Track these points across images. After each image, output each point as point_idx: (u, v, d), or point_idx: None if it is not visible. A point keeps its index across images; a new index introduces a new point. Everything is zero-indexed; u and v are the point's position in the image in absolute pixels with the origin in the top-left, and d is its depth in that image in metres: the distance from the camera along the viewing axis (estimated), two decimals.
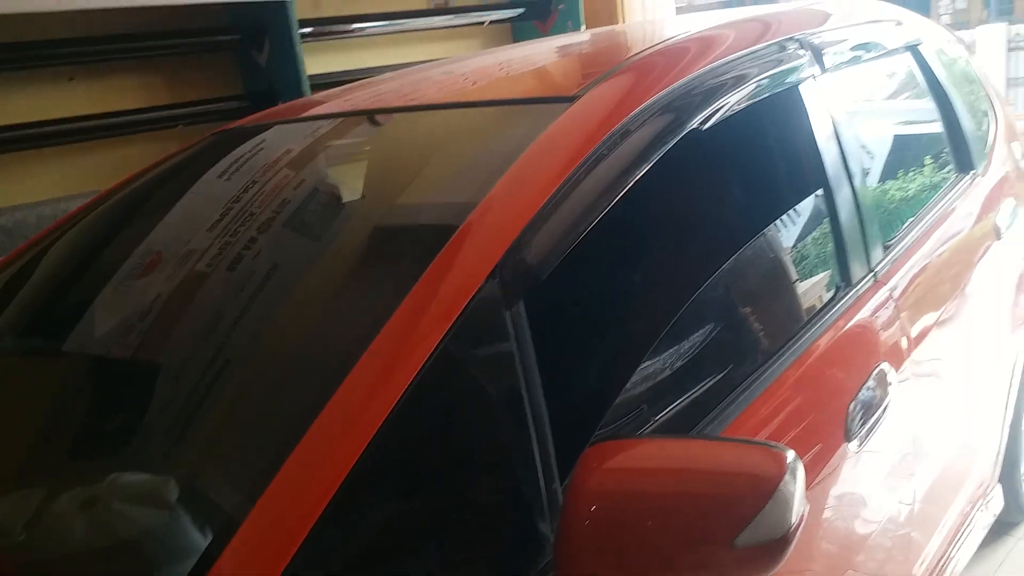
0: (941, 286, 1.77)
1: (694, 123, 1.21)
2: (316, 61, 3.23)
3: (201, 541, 0.84)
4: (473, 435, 0.93)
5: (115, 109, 2.76)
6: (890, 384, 1.42)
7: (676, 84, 1.24)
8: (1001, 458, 2.13)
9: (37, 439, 1.14)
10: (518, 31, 4.10)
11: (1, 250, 2.64)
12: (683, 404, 1.10)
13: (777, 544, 0.83)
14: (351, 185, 1.37)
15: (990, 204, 2.09)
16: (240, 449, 0.97)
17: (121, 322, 1.22)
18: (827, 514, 1.28)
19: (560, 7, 3.94)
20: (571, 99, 1.18)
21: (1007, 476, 2.20)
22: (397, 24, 3.52)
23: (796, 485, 0.84)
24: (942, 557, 1.74)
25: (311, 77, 2.98)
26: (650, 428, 1.07)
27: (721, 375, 1.19)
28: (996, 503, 2.13)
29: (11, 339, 1.36)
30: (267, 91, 2.99)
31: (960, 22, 11.85)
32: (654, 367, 1.11)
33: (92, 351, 1.23)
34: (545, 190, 1.02)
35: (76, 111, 2.67)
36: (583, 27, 3.93)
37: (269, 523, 0.77)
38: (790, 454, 0.85)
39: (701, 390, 1.16)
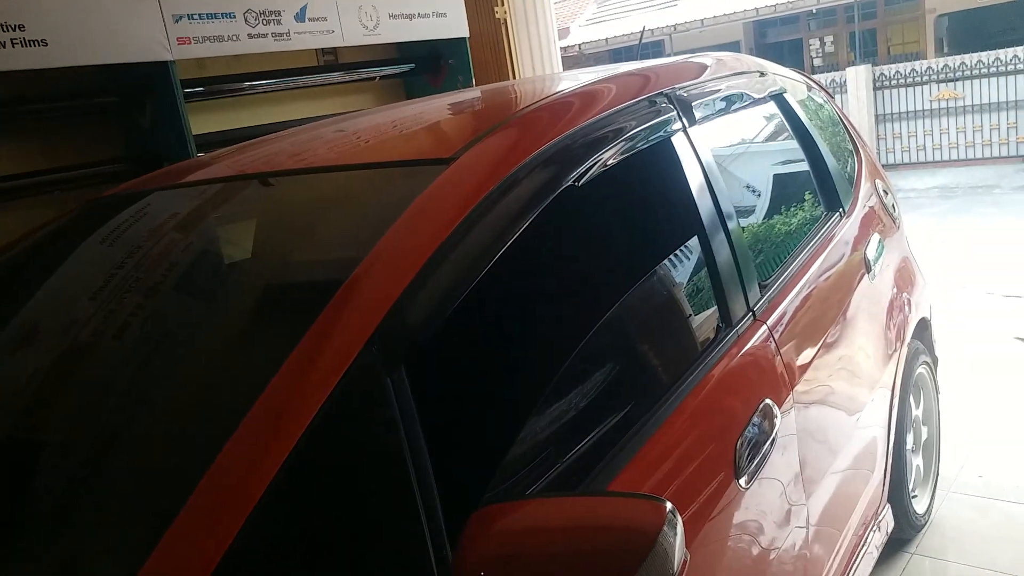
0: (818, 320, 1.86)
1: (570, 179, 1.25)
2: (203, 120, 3.18)
3: None
4: (357, 503, 0.91)
5: None
6: (776, 417, 1.48)
7: (550, 143, 1.27)
8: (888, 479, 2.23)
9: None
10: (409, 86, 4.15)
11: None
12: (575, 456, 1.12)
13: None
14: (233, 249, 1.34)
15: (859, 240, 2.22)
16: (112, 531, 0.93)
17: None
18: (724, 549, 1.31)
19: (450, 62, 4.01)
20: (447, 161, 1.20)
21: (895, 495, 2.31)
22: (286, 81, 3.51)
23: (676, 535, 0.85)
24: None
25: (197, 136, 2.92)
26: (542, 484, 1.08)
27: (610, 423, 1.21)
28: (887, 522, 2.23)
29: None
30: (151, 153, 2.91)
31: (830, 64, 12.69)
32: (543, 421, 1.12)
33: None
34: (422, 253, 1.03)
35: None
36: (472, 82, 4.01)
37: None
38: (667, 504, 0.87)
39: (592, 440, 1.17)
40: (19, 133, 2.78)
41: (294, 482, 0.83)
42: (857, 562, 1.94)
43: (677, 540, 0.85)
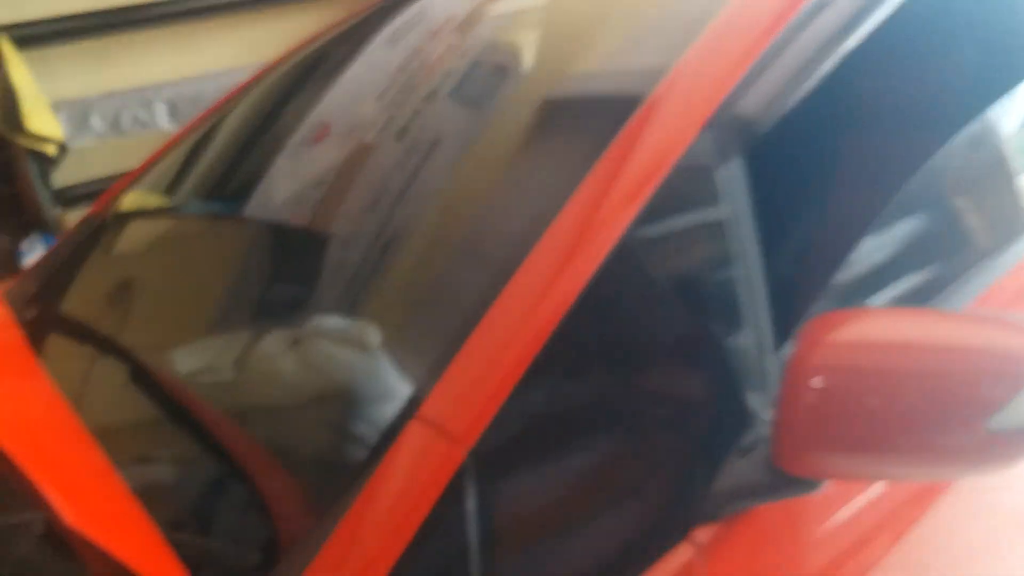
0: None
1: None
2: None
3: (403, 386, 0.82)
4: (681, 303, 0.87)
5: None
6: None
7: None
8: None
9: (225, 297, 1.15)
10: None
11: (182, 119, 2.74)
12: (909, 284, 1.01)
13: None
14: (527, 52, 1.30)
15: None
16: (415, 324, 0.94)
17: (296, 189, 1.21)
18: None
19: None
20: None
21: None
22: None
23: None
24: None
25: None
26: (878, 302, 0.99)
27: (954, 256, 1.09)
28: None
29: (191, 204, 1.37)
30: None
31: None
32: (877, 242, 1.02)
33: (269, 216, 1.22)
34: (752, 49, 0.93)
35: None
36: None
37: (457, 391, 0.75)
38: None
39: (930, 269, 1.06)
40: None
41: (609, 283, 0.80)
42: None
43: None
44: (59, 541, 0.80)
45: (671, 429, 0.84)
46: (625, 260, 0.81)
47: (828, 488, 0.85)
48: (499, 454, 0.73)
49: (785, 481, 0.82)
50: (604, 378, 0.82)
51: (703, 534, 0.83)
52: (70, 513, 0.57)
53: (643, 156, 0.87)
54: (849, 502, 0.96)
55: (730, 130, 0.89)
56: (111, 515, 0.64)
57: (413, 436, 0.73)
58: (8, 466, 0.57)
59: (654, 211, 0.83)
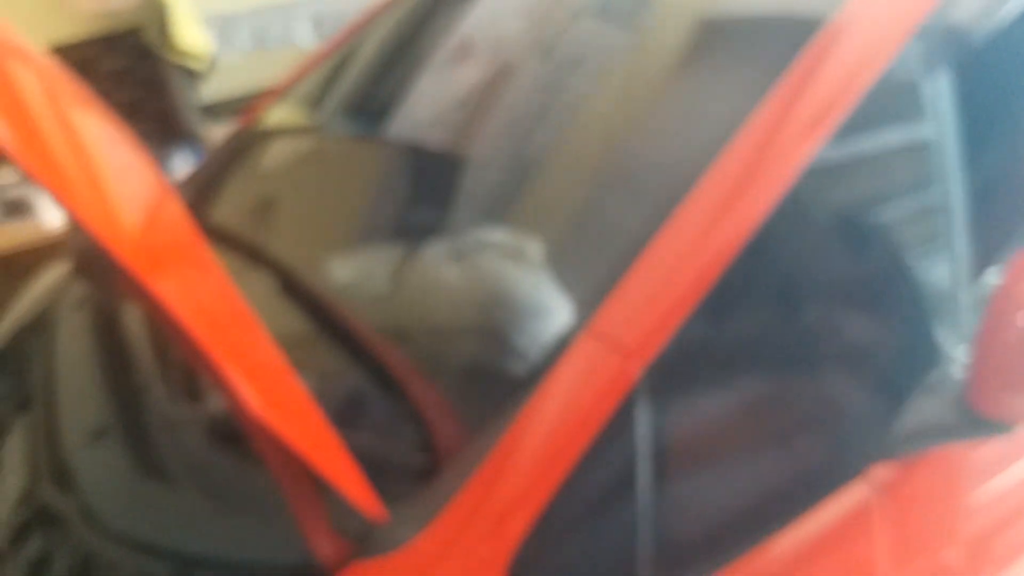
0: None
1: None
2: None
3: (570, 301, 0.79)
4: (868, 231, 0.80)
5: None
6: None
7: None
8: None
9: (379, 213, 1.15)
10: None
11: (326, 35, 2.78)
12: None
13: None
14: None
15: None
16: (579, 240, 0.91)
17: (440, 109, 1.19)
18: None
19: None
20: None
21: None
22: None
23: None
24: None
25: None
26: None
27: None
28: None
29: (338, 121, 1.38)
30: None
31: None
32: None
33: (421, 134, 1.21)
34: None
35: None
36: None
37: (632, 306, 0.71)
38: None
39: None
40: None
41: (797, 212, 0.74)
42: None
43: None
44: (232, 433, 0.84)
45: (852, 363, 0.79)
46: (811, 185, 0.75)
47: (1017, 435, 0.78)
48: (672, 375, 0.70)
49: (976, 422, 0.76)
50: (783, 307, 0.77)
51: (881, 472, 0.78)
52: (255, 402, 0.58)
53: (837, 70, 0.80)
54: None
55: (941, 40, 0.80)
56: (291, 409, 0.65)
57: (583, 350, 0.70)
58: (196, 353, 0.58)
59: (846, 132, 0.76)
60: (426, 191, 1.17)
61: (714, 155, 0.78)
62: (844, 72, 0.79)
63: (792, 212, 0.75)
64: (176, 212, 0.85)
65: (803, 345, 0.77)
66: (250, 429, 0.66)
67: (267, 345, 0.71)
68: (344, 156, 1.36)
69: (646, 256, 0.74)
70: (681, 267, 0.72)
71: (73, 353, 1.06)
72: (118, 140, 0.89)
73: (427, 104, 1.28)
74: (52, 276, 1.34)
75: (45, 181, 0.55)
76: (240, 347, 0.66)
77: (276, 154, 1.50)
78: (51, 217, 1.89)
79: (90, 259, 0.98)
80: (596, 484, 0.69)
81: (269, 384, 0.65)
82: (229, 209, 1.39)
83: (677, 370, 0.70)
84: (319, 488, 0.67)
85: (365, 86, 1.41)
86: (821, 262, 0.80)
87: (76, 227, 1.01)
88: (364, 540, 0.68)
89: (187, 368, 0.94)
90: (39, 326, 1.23)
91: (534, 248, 0.86)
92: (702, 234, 0.73)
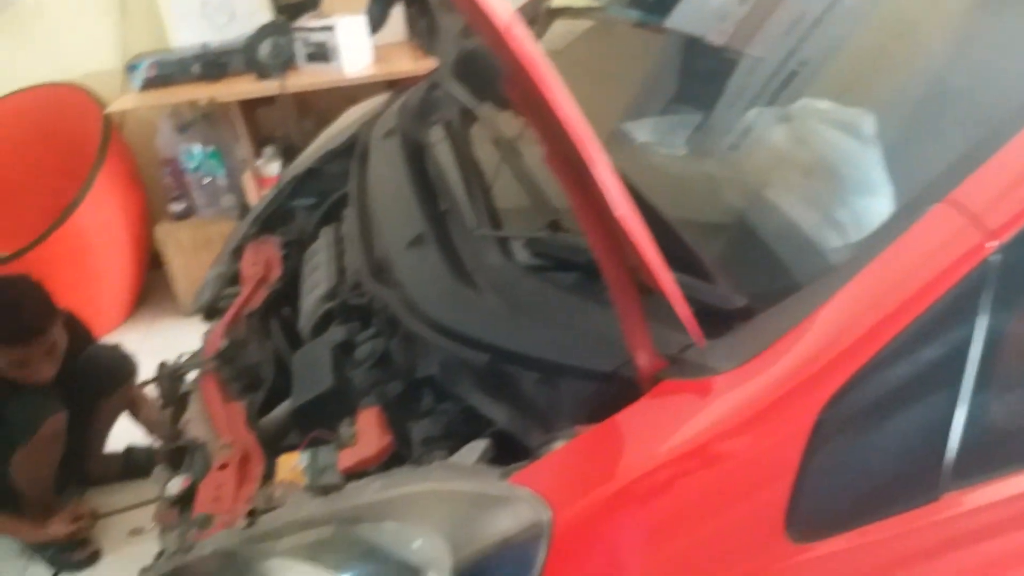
0: None
1: None
2: None
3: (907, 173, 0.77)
4: None
5: None
6: None
7: None
8: None
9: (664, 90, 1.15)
10: None
11: None
12: None
13: None
14: None
15: None
16: (916, 116, 0.87)
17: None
18: None
19: None
20: None
21: None
22: None
23: None
24: None
25: None
26: None
27: None
28: None
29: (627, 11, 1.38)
30: None
31: None
32: None
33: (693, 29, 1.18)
34: None
35: None
36: None
37: (997, 185, 0.68)
38: None
39: None
40: None
41: None
42: None
43: None
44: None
45: None
46: None
47: None
48: None
49: None
50: None
51: None
52: (621, 205, 0.61)
53: None
54: None
55: None
56: (636, 225, 0.68)
57: (938, 218, 0.68)
58: (576, 155, 0.61)
59: None
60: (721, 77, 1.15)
61: None
62: None
63: None
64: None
65: None
66: (596, 240, 0.68)
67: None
68: (634, 40, 1.36)
69: (1018, 139, 0.69)
70: None
71: (386, 174, 1.15)
72: None
73: None
74: (358, 112, 1.46)
75: None
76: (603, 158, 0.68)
77: (561, 30, 1.52)
78: (348, 63, 2.04)
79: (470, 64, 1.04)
80: (924, 355, 0.67)
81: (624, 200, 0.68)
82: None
83: None
84: (645, 308, 0.70)
85: None
86: None
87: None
88: (676, 363, 0.71)
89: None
90: (346, 151, 1.35)
91: (867, 121, 0.83)
92: None
